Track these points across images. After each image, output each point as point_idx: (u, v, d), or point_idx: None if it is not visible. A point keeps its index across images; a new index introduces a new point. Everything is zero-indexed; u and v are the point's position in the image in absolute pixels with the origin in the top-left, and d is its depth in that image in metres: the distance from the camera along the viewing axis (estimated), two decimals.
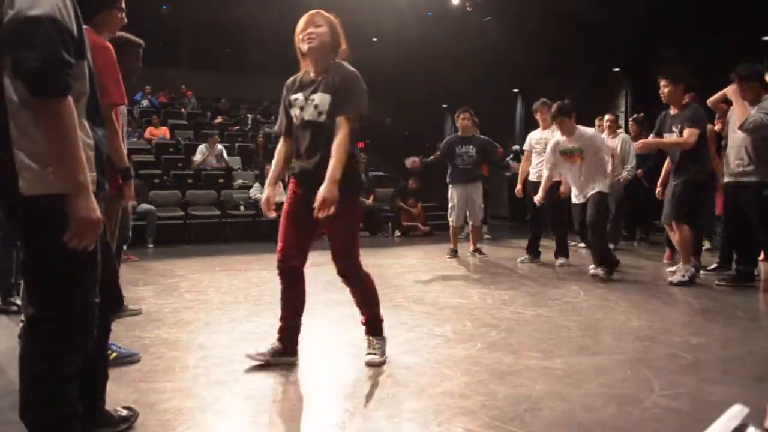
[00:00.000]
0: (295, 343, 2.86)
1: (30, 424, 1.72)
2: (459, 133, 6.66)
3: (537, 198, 5.58)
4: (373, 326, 2.89)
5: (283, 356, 2.80)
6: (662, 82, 4.84)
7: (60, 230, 1.60)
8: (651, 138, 5.05)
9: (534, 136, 6.33)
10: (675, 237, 4.85)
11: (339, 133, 2.58)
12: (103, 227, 1.73)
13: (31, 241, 1.69)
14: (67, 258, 1.65)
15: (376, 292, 2.89)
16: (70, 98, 1.55)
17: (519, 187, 6.46)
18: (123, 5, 2.65)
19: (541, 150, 6.16)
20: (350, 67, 2.72)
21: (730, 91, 4.58)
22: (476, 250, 6.72)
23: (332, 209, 2.47)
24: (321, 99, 2.66)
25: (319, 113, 2.66)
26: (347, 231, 2.77)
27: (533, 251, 6.32)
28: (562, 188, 5.95)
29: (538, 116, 6.28)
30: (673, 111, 4.89)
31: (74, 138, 1.55)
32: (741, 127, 4.41)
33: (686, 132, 4.65)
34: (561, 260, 6.01)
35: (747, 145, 4.53)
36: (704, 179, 4.82)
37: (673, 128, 4.81)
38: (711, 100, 5.20)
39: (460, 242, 6.83)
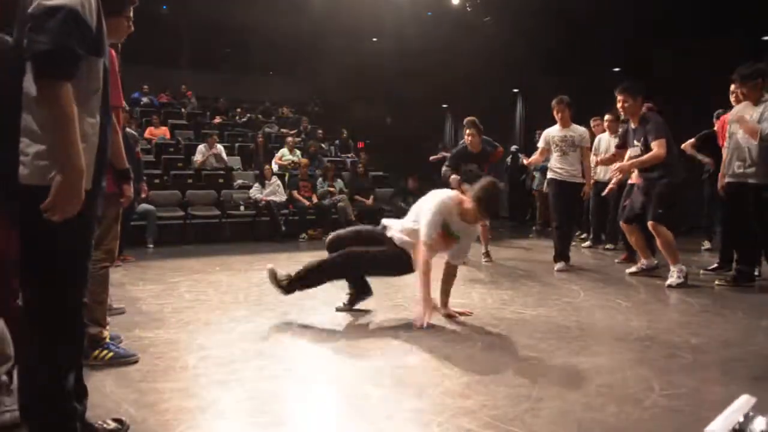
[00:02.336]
0: None
1: (29, 421, 1.72)
2: (468, 149, 6.21)
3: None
4: None
5: None
6: (621, 98, 4.93)
7: (56, 224, 1.62)
8: (619, 157, 5.19)
9: (553, 133, 5.91)
10: (657, 241, 4.88)
11: None
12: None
13: (28, 233, 1.71)
14: (63, 251, 1.67)
15: None
16: (69, 85, 1.60)
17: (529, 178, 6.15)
18: (131, 14, 2.63)
19: (566, 148, 5.78)
20: None
21: (740, 107, 4.65)
22: (485, 254, 6.36)
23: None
24: None
25: None
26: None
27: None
28: (586, 188, 5.78)
29: (557, 114, 5.86)
30: (633, 124, 4.99)
31: (71, 123, 1.60)
32: (761, 140, 4.43)
33: (655, 145, 4.75)
34: (560, 264, 5.77)
35: (749, 146, 4.53)
36: (677, 182, 4.89)
37: (635, 142, 4.93)
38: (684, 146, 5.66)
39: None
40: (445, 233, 3.67)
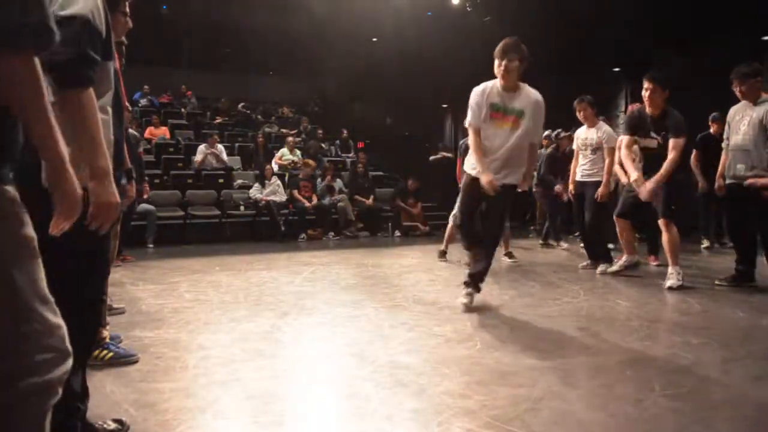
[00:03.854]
0: None
1: None
2: None
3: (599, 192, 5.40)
4: None
5: None
6: (649, 85, 4.78)
7: (74, 225, 1.63)
8: (625, 149, 4.95)
9: (577, 134, 5.92)
10: (663, 237, 4.81)
11: None
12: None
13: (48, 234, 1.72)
14: (83, 251, 1.68)
15: None
16: (91, 90, 1.64)
17: (570, 186, 5.94)
18: (127, 9, 2.61)
19: (583, 150, 5.72)
20: None
21: (740, 105, 4.66)
22: (508, 254, 6.32)
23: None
24: None
25: None
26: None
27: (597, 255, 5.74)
28: (601, 189, 5.47)
29: (578, 114, 5.78)
30: (650, 112, 4.84)
31: (95, 126, 1.65)
32: None
33: (673, 143, 4.66)
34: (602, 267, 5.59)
35: (751, 149, 4.53)
36: (681, 179, 4.90)
37: (653, 134, 4.82)
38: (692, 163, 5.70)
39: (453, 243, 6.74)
40: (501, 113, 3.81)
